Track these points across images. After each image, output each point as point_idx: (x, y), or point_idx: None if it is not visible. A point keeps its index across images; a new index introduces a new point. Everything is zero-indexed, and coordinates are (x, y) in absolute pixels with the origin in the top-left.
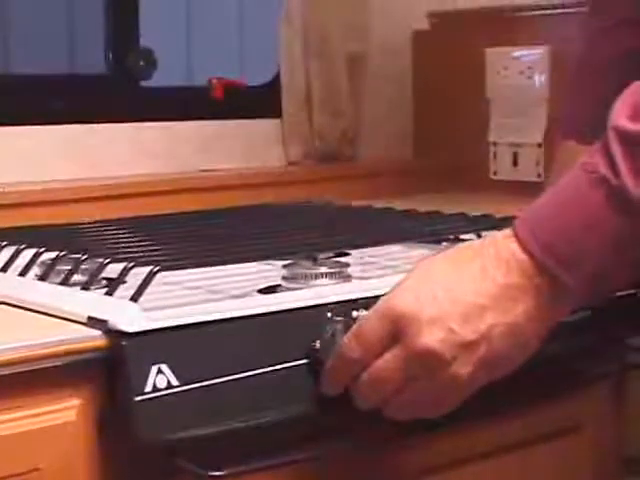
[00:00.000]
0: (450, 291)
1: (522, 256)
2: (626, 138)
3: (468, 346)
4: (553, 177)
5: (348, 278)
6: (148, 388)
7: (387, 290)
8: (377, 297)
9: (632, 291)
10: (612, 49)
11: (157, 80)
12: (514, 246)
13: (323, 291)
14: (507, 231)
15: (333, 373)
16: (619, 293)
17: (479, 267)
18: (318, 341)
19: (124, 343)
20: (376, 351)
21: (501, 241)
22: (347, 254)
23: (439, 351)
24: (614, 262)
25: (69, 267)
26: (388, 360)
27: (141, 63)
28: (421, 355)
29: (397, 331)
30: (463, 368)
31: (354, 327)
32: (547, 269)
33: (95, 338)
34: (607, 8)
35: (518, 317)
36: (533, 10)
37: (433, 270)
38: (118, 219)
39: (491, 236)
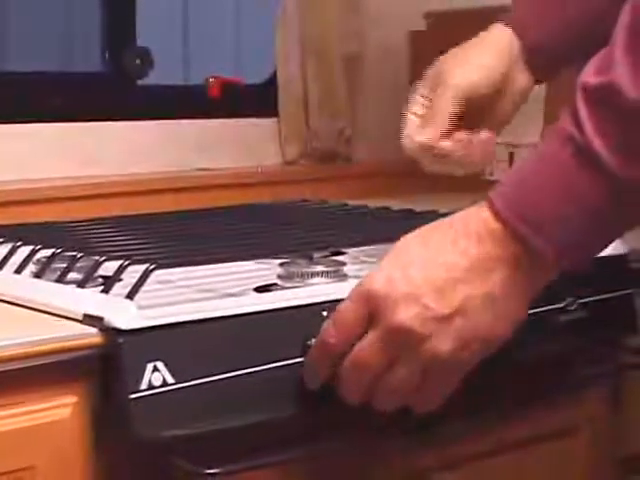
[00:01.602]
0: (422, 268)
1: (495, 225)
2: (588, 93)
3: (443, 320)
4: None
5: (344, 277)
6: (143, 386)
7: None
8: None
9: (627, 291)
10: None
11: (154, 79)
12: (486, 215)
13: (319, 290)
14: (480, 203)
15: (314, 362)
16: (614, 294)
17: (450, 240)
18: (313, 339)
19: (120, 341)
20: (353, 334)
21: (473, 213)
22: (343, 253)
23: (414, 327)
24: (592, 227)
25: (65, 265)
26: (366, 342)
27: (138, 62)
28: (397, 333)
29: (372, 312)
30: (442, 344)
31: (332, 313)
32: (519, 235)
33: (91, 336)
34: None
35: (494, 287)
36: None
37: (405, 249)
38: (114, 217)
39: (463, 210)
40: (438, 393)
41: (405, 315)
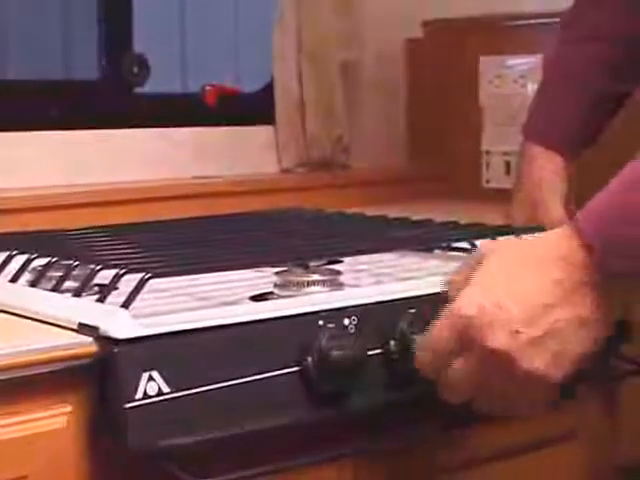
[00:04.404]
0: (513, 295)
1: (578, 249)
2: None
3: (534, 342)
4: (516, 179)
5: (340, 286)
6: (139, 395)
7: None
8: (369, 305)
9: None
10: (581, 60)
11: (151, 87)
12: (574, 243)
13: (315, 299)
14: (564, 229)
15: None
16: None
17: (538, 265)
18: (309, 357)
19: (115, 350)
20: (446, 359)
21: (560, 237)
22: (339, 262)
23: (506, 351)
24: None
25: (61, 273)
26: (459, 366)
27: (135, 69)
28: (490, 358)
29: (464, 338)
30: (535, 363)
31: (427, 335)
32: (598, 259)
33: (86, 345)
34: (577, 23)
35: (582, 311)
36: (527, 19)
37: (496, 274)
38: (110, 225)
39: (549, 232)
40: (529, 408)
41: (496, 340)
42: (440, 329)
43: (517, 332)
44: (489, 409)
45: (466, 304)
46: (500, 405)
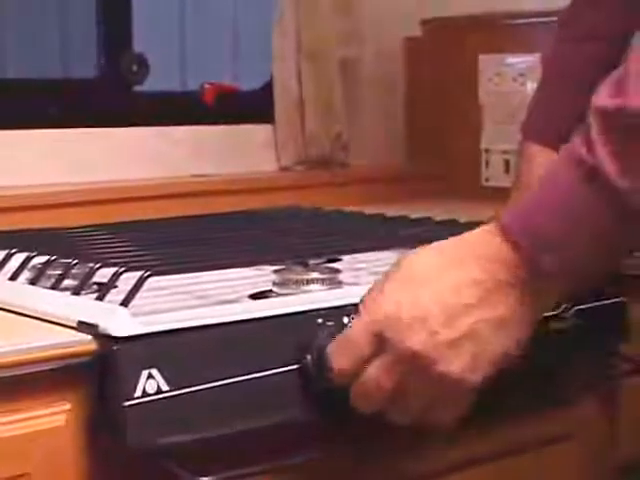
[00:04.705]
0: (431, 292)
1: (504, 248)
2: (604, 116)
3: (452, 344)
4: (514, 177)
5: (339, 284)
6: (138, 393)
7: (368, 289)
8: None
9: (620, 299)
10: (578, 59)
11: (150, 85)
12: (496, 240)
13: (314, 297)
14: (489, 225)
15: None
16: (608, 302)
17: (458, 264)
18: (308, 356)
19: (114, 348)
20: (362, 359)
21: (482, 236)
22: (338, 260)
23: (423, 352)
24: (595, 248)
25: (60, 272)
26: (375, 369)
27: (134, 68)
28: (406, 358)
29: (381, 337)
30: (452, 365)
31: (340, 337)
32: (528, 258)
33: (85, 343)
34: (575, 22)
35: (503, 311)
36: (526, 17)
37: (412, 270)
38: (109, 224)
39: (471, 232)
40: (448, 414)
41: (414, 340)
42: (356, 331)
43: (435, 332)
44: (402, 418)
45: (383, 300)
46: (415, 413)
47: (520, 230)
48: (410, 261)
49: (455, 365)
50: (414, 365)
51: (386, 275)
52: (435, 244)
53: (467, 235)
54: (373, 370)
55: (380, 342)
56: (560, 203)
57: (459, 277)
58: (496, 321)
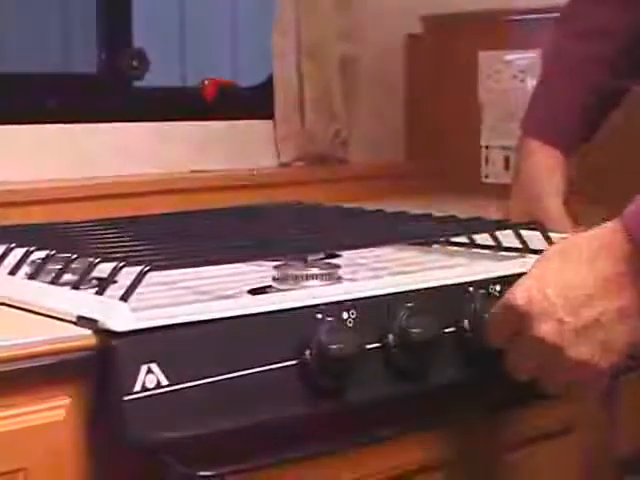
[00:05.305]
0: (559, 287)
1: (627, 245)
2: None
3: (580, 332)
4: (514, 173)
5: (338, 280)
6: (137, 387)
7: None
8: (367, 299)
9: None
10: (579, 55)
11: (150, 80)
12: (620, 236)
13: (313, 292)
14: (614, 222)
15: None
16: None
17: (586, 259)
18: (308, 350)
19: (114, 342)
20: (505, 335)
21: (608, 233)
22: (338, 256)
23: (553, 340)
24: None
25: (59, 266)
26: (514, 347)
27: (134, 63)
28: (539, 346)
29: (516, 326)
30: (581, 353)
31: (489, 315)
32: None
33: (85, 337)
34: (576, 18)
35: (628, 302)
36: (526, 14)
37: (545, 269)
38: (109, 219)
39: (598, 228)
40: (601, 370)
41: (543, 330)
42: (496, 315)
43: (561, 321)
44: (551, 389)
45: (518, 294)
46: (557, 387)
47: (638, 227)
48: (547, 255)
49: (584, 351)
50: (544, 351)
51: (532, 265)
52: (570, 240)
53: (595, 231)
54: (514, 350)
55: (517, 329)
56: None
57: (584, 269)
58: (620, 311)
